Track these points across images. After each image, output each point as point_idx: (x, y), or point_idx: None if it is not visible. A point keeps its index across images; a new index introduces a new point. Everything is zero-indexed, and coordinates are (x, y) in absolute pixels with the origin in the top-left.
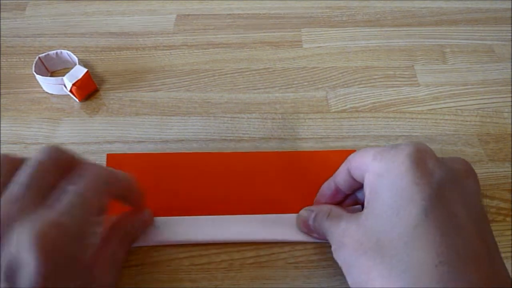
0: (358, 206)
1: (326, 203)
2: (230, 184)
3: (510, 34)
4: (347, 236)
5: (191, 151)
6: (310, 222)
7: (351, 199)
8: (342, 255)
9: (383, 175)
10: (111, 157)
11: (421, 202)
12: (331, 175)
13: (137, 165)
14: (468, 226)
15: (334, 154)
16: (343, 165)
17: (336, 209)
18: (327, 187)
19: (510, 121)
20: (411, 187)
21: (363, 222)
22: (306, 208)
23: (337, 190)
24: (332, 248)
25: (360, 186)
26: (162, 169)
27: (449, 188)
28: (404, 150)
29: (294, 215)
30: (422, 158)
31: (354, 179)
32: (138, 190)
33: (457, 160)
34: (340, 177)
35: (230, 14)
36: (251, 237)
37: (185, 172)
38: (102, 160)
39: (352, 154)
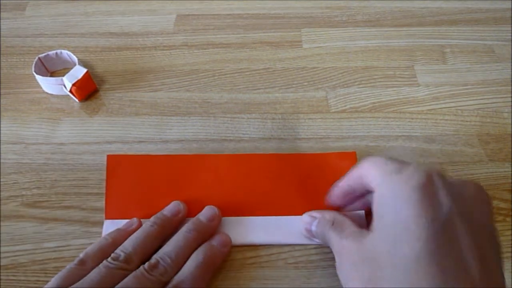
0: (362, 213)
1: (335, 205)
2: (230, 186)
3: (510, 34)
4: (346, 255)
5: (191, 151)
6: (313, 228)
7: (361, 202)
8: (340, 272)
9: (390, 202)
10: (111, 158)
11: (424, 242)
12: (330, 177)
13: (137, 166)
14: (472, 265)
15: (334, 156)
16: (356, 169)
17: (340, 218)
18: (339, 187)
19: (510, 121)
20: (417, 220)
21: (364, 245)
22: (309, 213)
23: (349, 191)
24: (336, 265)
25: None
26: (162, 171)
27: (457, 220)
28: (414, 177)
29: (293, 217)
30: (432, 188)
31: (364, 183)
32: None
33: (469, 184)
34: (352, 180)
35: (230, 14)
36: (252, 240)
37: (185, 174)
38: (101, 160)
39: (365, 161)
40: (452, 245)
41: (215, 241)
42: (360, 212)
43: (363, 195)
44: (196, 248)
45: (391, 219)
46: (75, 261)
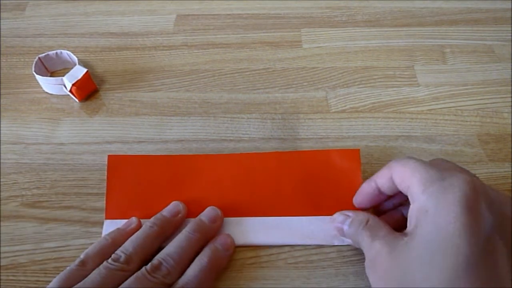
0: (399, 214)
1: (361, 206)
2: (231, 186)
3: (510, 34)
4: (379, 261)
5: (191, 151)
6: (345, 227)
7: (396, 212)
8: (370, 277)
9: (431, 211)
10: (112, 158)
11: (465, 255)
12: (333, 175)
13: (137, 166)
14: (507, 282)
15: (336, 153)
16: (385, 170)
17: (374, 219)
18: (368, 186)
19: (510, 121)
20: (459, 236)
21: (399, 253)
22: (342, 212)
23: (379, 191)
24: (365, 264)
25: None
26: (163, 171)
27: (497, 236)
28: (457, 189)
29: (294, 218)
30: (475, 201)
31: (396, 186)
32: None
33: (507, 199)
34: (382, 181)
35: (230, 14)
36: (253, 241)
37: (185, 174)
38: (101, 160)
39: (396, 163)
40: (491, 261)
41: (219, 244)
42: (399, 215)
43: (395, 195)
44: (198, 250)
45: (432, 229)
46: (76, 262)
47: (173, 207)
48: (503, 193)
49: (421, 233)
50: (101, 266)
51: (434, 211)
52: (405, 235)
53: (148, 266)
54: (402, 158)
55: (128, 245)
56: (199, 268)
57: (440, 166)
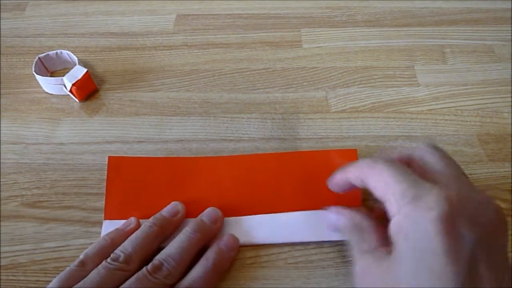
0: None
1: (340, 192)
2: (230, 187)
3: (510, 34)
4: (368, 275)
5: (191, 151)
6: (341, 223)
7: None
8: (358, 281)
9: (409, 232)
10: (112, 159)
11: (450, 282)
12: (329, 174)
13: (137, 168)
14: None
15: (334, 153)
16: (356, 173)
17: (365, 225)
18: (341, 179)
19: (510, 121)
20: (439, 263)
21: (384, 268)
22: (337, 210)
23: (350, 187)
24: (354, 273)
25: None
26: (163, 173)
27: (478, 252)
28: (434, 210)
29: (294, 214)
30: (452, 220)
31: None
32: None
33: (491, 208)
34: (353, 179)
35: (230, 14)
36: (253, 240)
37: (185, 176)
38: (101, 160)
39: (369, 170)
40: (474, 279)
41: (224, 245)
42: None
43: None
44: (199, 250)
45: (411, 250)
46: (75, 263)
47: (172, 207)
48: (484, 196)
49: (403, 254)
50: (100, 266)
51: (411, 234)
52: (389, 253)
53: (149, 266)
54: (374, 161)
55: (127, 245)
56: (204, 269)
57: (419, 169)
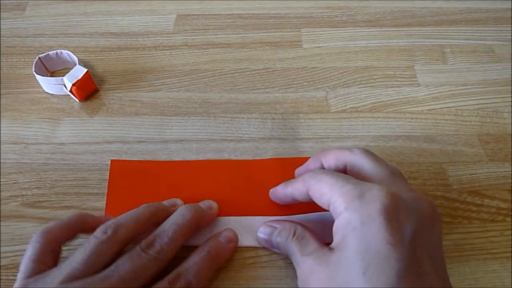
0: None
1: (279, 203)
2: (231, 192)
3: (510, 34)
4: (313, 278)
5: (191, 151)
6: (274, 238)
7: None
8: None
9: (355, 227)
10: (115, 163)
11: (394, 264)
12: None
13: (139, 172)
14: (434, 280)
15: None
16: (300, 184)
17: (302, 231)
18: (282, 193)
19: (510, 121)
20: (384, 247)
21: (333, 268)
22: (268, 223)
23: (293, 199)
24: (298, 279)
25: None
26: (164, 176)
27: (419, 239)
28: (377, 202)
29: (294, 217)
30: (394, 211)
31: (314, 200)
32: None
33: (423, 201)
34: (297, 193)
35: (230, 14)
36: (252, 243)
37: (186, 180)
38: (101, 160)
39: (311, 180)
40: (417, 264)
41: (221, 237)
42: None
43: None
44: (194, 229)
45: (360, 242)
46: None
47: (171, 200)
48: (418, 193)
49: (350, 247)
50: (90, 238)
51: (359, 225)
52: (333, 249)
53: (142, 243)
54: (315, 172)
55: (120, 217)
56: (199, 256)
57: (356, 175)
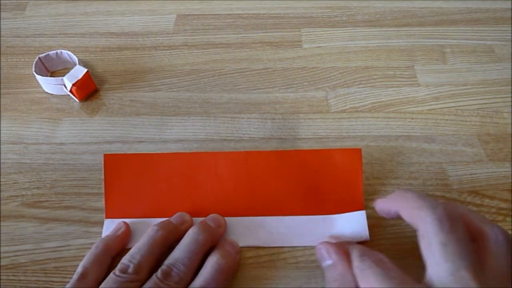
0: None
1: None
2: (230, 184)
3: (510, 34)
4: None
5: (191, 151)
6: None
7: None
8: None
9: (447, 245)
10: (108, 157)
11: None
12: (333, 175)
13: (135, 165)
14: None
15: (338, 152)
16: (391, 205)
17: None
18: (383, 208)
19: (510, 121)
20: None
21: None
22: (327, 250)
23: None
24: None
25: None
26: (161, 169)
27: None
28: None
29: (294, 218)
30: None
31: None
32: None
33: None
34: (386, 213)
35: (230, 14)
36: (254, 243)
37: (184, 172)
38: (101, 160)
39: (404, 200)
40: None
41: (229, 247)
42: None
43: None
44: (206, 252)
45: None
46: (76, 277)
47: (179, 215)
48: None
49: (444, 264)
50: (109, 280)
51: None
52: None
53: (159, 273)
54: (407, 193)
55: (135, 253)
56: (215, 269)
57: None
